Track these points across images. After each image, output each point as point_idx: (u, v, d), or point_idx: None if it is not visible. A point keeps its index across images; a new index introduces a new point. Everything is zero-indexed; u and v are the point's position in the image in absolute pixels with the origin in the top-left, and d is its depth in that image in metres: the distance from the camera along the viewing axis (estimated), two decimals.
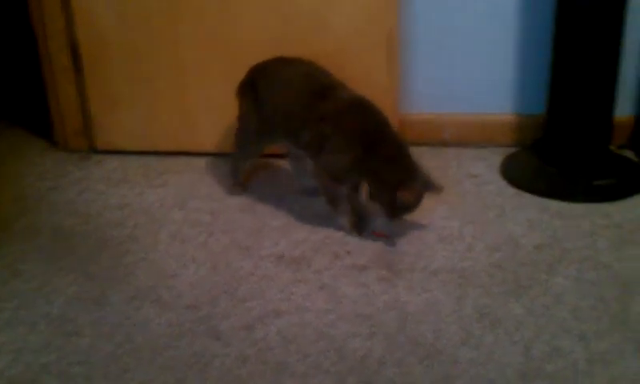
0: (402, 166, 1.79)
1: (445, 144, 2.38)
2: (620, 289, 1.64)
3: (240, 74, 2.21)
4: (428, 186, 1.81)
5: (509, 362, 1.43)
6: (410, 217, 1.90)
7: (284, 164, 2.21)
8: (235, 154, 2.12)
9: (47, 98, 2.40)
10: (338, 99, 1.87)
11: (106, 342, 1.53)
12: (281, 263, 1.79)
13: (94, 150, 2.42)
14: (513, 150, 2.33)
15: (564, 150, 2.16)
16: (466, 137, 2.37)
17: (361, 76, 2.17)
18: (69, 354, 1.50)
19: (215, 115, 2.32)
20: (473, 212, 1.99)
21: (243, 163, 2.12)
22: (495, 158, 2.29)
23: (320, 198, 1.96)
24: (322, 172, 1.87)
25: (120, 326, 1.58)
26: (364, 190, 1.83)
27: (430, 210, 1.97)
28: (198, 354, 1.48)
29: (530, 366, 1.42)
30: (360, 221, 1.90)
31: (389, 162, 1.79)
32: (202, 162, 2.32)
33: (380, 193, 1.79)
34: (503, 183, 2.14)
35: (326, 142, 1.83)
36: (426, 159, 2.27)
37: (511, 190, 2.10)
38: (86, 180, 2.25)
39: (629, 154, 2.29)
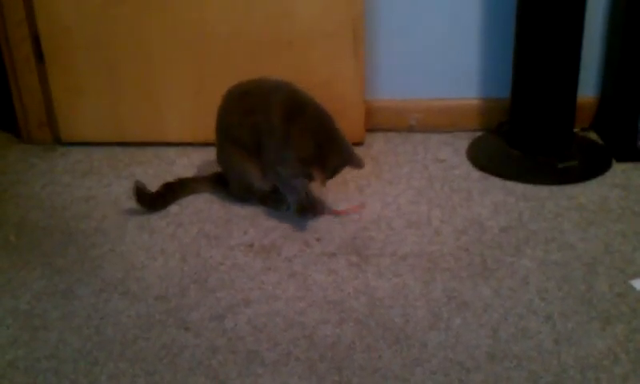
0: (329, 143, 1.78)
1: (411, 130, 2.39)
2: (585, 269, 1.67)
3: (205, 62, 2.21)
4: (351, 160, 1.80)
5: (477, 345, 1.45)
6: (379, 202, 1.93)
7: None
8: (244, 195, 2.00)
9: (10, 89, 2.37)
10: (260, 89, 1.90)
11: (74, 336, 1.52)
12: (250, 252, 1.78)
13: (58, 142, 2.39)
14: (479, 134, 2.35)
15: (529, 133, 2.19)
16: (433, 122, 2.38)
17: (326, 64, 2.18)
18: (37, 349, 1.48)
19: (182, 104, 2.30)
20: (440, 196, 2.00)
21: (258, 190, 1.97)
22: (461, 142, 2.30)
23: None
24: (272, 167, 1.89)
25: (88, 319, 1.57)
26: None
27: (397, 196, 1.98)
28: (168, 346, 1.48)
29: (497, 347, 1.44)
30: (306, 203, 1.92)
31: (312, 136, 1.78)
32: (169, 152, 2.30)
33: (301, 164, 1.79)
34: (469, 167, 2.16)
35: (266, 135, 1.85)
36: (394, 145, 2.28)
37: (477, 174, 2.12)
38: (51, 172, 2.22)
39: (592, 135, 2.32)
